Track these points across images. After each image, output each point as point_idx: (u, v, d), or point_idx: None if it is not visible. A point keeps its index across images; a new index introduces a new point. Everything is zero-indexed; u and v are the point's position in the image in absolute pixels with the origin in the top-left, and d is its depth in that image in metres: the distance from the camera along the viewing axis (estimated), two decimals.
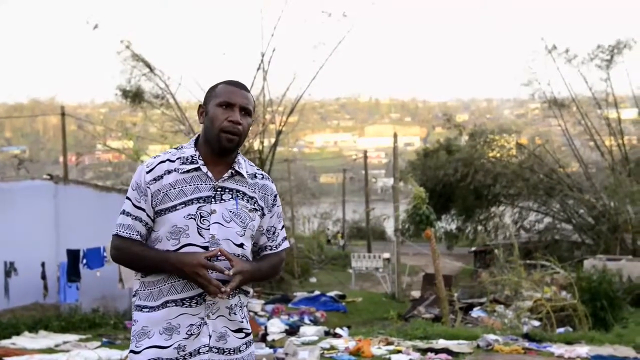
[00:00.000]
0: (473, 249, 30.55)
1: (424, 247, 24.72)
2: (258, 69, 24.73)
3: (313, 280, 27.63)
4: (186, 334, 2.73)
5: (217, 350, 2.77)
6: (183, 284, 2.74)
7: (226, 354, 2.79)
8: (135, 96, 24.33)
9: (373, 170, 58.17)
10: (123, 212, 2.85)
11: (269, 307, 17.47)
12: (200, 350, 2.74)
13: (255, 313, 16.29)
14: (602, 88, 27.83)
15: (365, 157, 40.56)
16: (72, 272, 13.86)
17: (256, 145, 25.20)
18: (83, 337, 11.89)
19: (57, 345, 10.81)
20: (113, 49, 24.64)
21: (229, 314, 2.80)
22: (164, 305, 2.76)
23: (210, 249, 2.74)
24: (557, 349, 9.31)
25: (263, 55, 24.64)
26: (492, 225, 32.04)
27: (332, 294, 21.38)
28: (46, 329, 12.54)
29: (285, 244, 3.05)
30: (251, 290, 2.99)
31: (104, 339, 11.50)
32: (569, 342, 9.96)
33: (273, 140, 26.09)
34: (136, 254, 2.81)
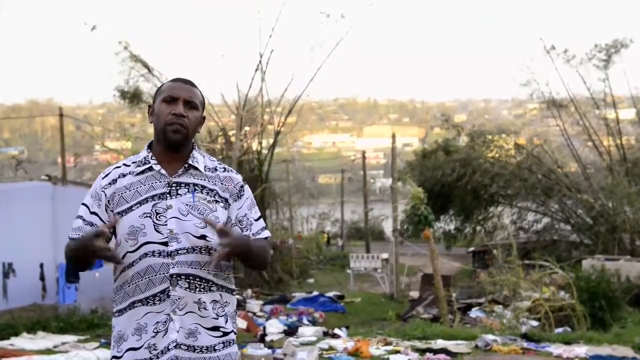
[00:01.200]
0: (471, 249, 30.57)
1: (422, 248, 24.73)
2: (256, 70, 24.81)
3: (311, 280, 27.64)
4: (153, 332, 2.71)
5: (186, 348, 2.71)
6: (146, 282, 2.73)
7: (197, 352, 2.72)
8: (133, 97, 24.36)
9: (371, 170, 58.13)
10: (77, 217, 2.85)
11: (268, 308, 17.46)
12: (169, 347, 2.70)
13: (254, 314, 16.28)
14: (600, 88, 27.93)
15: (364, 157, 40.58)
16: (71, 273, 13.84)
17: (254, 146, 25.24)
18: (82, 338, 11.86)
19: (55, 346, 10.79)
20: (111, 49, 24.68)
21: (199, 309, 2.73)
22: (131, 306, 2.76)
23: (169, 244, 2.72)
24: (556, 349, 9.32)
25: (261, 56, 24.69)
26: (491, 226, 32.07)
27: (330, 294, 21.37)
28: (44, 330, 12.51)
29: (266, 234, 2.95)
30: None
31: (103, 340, 11.47)
32: (567, 342, 9.97)
33: (271, 141, 26.12)
34: (68, 247, 2.81)
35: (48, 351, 10.27)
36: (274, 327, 13.08)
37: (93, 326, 13.41)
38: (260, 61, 24.66)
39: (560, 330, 13.08)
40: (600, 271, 15.88)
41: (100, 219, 2.80)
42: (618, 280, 16.98)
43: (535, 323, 13.92)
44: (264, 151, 25.68)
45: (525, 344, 9.71)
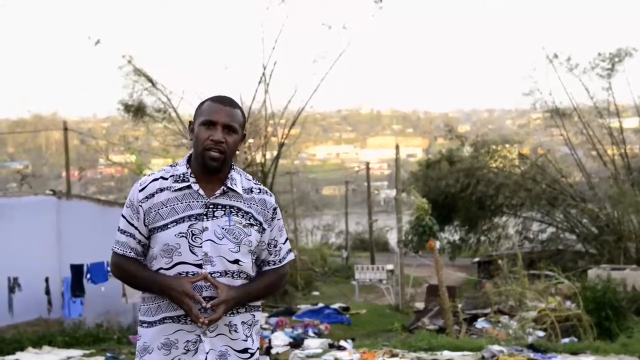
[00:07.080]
0: (477, 259, 30.47)
1: (427, 259, 24.68)
2: (260, 81, 24.85)
3: (316, 292, 27.58)
4: (184, 349, 2.74)
5: None
6: None
7: None
8: (137, 110, 24.40)
9: (375, 181, 58.08)
10: (119, 229, 2.88)
11: (273, 320, 17.42)
12: None
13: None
14: (604, 97, 27.85)
15: (368, 168, 40.55)
16: (76, 287, 13.85)
17: (258, 158, 25.26)
18: (87, 352, 11.87)
19: None
20: (115, 63, 24.75)
21: (230, 331, 2.79)
22: (162, 321, 2.78)
23: (203, 266, 2.75)
24: (562, 359, 9.29)
25: (265, 68, 24.76)
26: (496, 236, 31.97)
27: (335, 306, 21.31)
28: (50, 345, 12.52)
29: (290, 257, 3.02)
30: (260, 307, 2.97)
31: (108, 354, 11.48)
32: (574, 353, 9.93)
33: (275, 153, 26.14)
34: (130, 273, 2.85)
35: None
36: (280, 340, 13.04)
37: (99, 340, 13.41)
38: (263, 73, 24.73)
39: (566, 340, 13.02)
40: (606, 281, 15.82)
41: (140, 233, 2.83)
42: (624, 290, 16.91)
43: (541, 333, 13.87)
44: (268, 163, 25.69)
45: (531, 355, 9.67)
